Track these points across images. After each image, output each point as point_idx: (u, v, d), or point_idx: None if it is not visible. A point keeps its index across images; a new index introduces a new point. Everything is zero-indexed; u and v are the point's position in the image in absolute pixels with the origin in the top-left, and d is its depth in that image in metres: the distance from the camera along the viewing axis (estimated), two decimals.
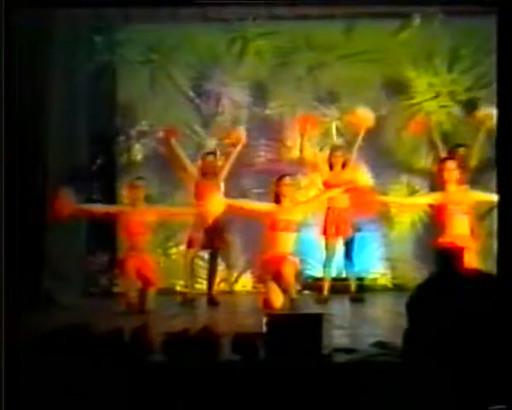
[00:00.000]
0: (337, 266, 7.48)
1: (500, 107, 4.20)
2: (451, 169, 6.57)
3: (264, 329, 3.88)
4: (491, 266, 6.41)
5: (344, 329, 5.83)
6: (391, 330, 5.33)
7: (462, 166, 6.93)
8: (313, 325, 3.93)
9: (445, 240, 6.45)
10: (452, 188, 6.57)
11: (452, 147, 7.17)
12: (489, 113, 7.04)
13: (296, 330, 3.88)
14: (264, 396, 3.60)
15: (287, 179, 6.80)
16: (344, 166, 7.29)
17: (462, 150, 7.06)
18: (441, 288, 1.47)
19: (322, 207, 7.19)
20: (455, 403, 1.39)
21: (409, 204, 7.44)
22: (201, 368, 3.41)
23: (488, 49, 8.09)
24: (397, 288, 7.86)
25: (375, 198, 6.73)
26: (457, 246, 6.21)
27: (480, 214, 7.12)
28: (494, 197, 6.71)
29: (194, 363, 3.42)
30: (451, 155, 6.97)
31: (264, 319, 3.88)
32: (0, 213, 4.78)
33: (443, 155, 7.19)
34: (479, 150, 7.11)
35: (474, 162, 7.11)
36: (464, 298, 1.42)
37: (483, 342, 1.38)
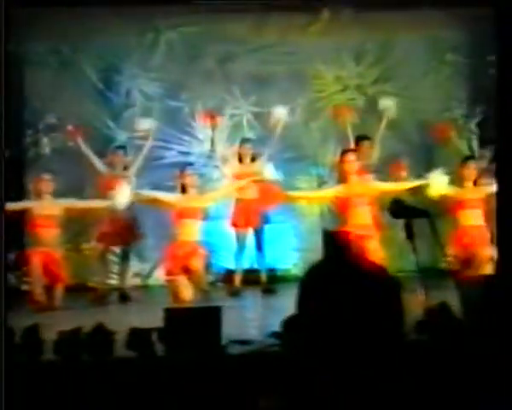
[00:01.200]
0: (248, 258, 7.55)
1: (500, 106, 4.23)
2: (352, 161, 6.72)
3: (163, 323, 3.89)
4: (393, 255, 6.66)
5: (253, 320, 5.91)
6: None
7: (365, 157, 7.11)
8: (211, 317, 3.97)
9: (345, 229, 6.60)
10: (354, 179, 6.73)
11: (356, 139, 7.34)
12: (389, 105, 7.24)
13: (193, 324, 3.91)
14: (161, 391, 3.62)
15: (190, 170, 6.83)
16: (253, 159, 7.35)
17: (365, 142, 7.23)
18: (324, 276, 1.45)
19: (230, 198, 7.24)
20: (335, 392, 1.37)
21: (315, 197, 7.58)
22: (95, 365, 3.40)
23: (393, 44, 8.36)
24: None
25: (281, 191, 6.82)
26: (354, 235, 6.37)
27: (384, 205, 7.31)
28: (398, 187, 6.96)
29: (86, 360, 3.40)
30: (355, 147, 7.12)
31: (162, 314, 3.89)
32: None
33: (351, 147, 7.35)
34: (381, 142, 7.30)
35: (376, 154, 7.30)
36: (346, 286, 1.39)
37: (365, 330, 1.36)
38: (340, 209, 6.86)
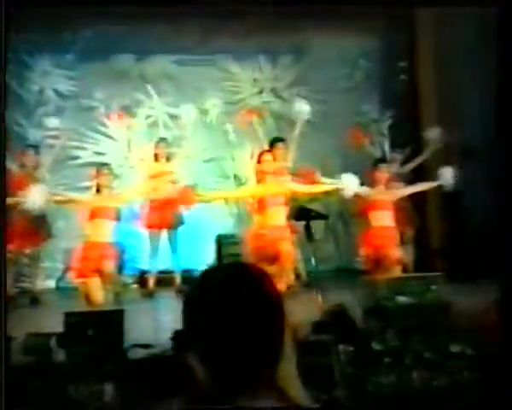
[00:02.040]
0: (163, 259, 7.49)
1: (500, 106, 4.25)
2: (268, 161, 6.76)
3: (63, 328, 3.82)
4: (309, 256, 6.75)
5: (167, 322, 5.86)
6: None
7: (281, 159, 7.17)
8: (114, 321, 3.93)
9: (260, 231, 6.65)
10: (270, 180, 6.78)
11: (271, 141, 7.40)
12: (304, 108, 7.33)
13: (95, 328, 3.85)
14: (61, 396, 3.55)
15: (105, 170, 6.72)
16: (169, 159, 7.31)
17: (280, 145, 7.29)
18: (209, 284, 1.44)
19: (144, 198, 7.18)
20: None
21: (231, 197, 7.60)
22: None
23: (307, 48, 8.49)
24: None
25: (196, 192, 6.78)
26: (268, 236, 6.43)
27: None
28: (312, 189, 7.05)
29: None
30: (270, 148, 7.17)
31: (63, 318, 3.82)
32: None
33: (265, 148, 7.39)
34: (295, 144, 7.38)
35: (292, 156, 7.37)
36: (227, 296, 1.40)
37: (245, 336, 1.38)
38: (256, 210, 6.90)
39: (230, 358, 1.39)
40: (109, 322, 3.93)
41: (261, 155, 6.87)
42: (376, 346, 3.70)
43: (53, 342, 3.64)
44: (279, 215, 6.66)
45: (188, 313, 1.45)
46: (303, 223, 4.09)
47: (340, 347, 3.12)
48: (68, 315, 3.87)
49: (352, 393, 3.44)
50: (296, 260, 6.48)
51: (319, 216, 3.02)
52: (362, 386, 3.61)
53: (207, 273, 1.52)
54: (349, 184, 6.73)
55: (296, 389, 1.47)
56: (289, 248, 6.52)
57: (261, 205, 6.71)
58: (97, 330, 3.85)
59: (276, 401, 1.42)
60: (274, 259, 6.56)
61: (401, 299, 4.11)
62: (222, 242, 7.40)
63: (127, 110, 7.69)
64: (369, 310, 3.93)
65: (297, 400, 1.47)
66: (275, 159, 6.94)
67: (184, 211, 7.11)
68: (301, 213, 3.20)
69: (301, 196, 7.10)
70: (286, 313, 1.47)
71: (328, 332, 3.08)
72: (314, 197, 7.90)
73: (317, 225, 4.48)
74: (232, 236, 7.49)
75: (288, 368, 1.47)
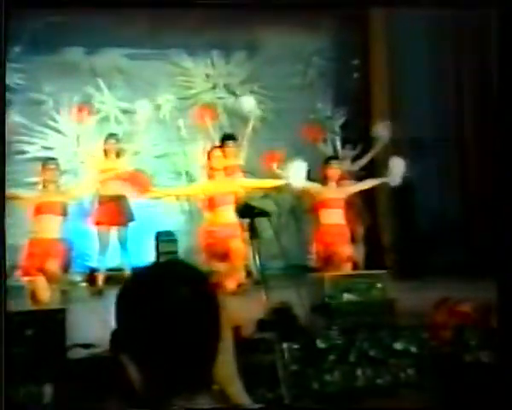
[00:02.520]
0: (112, 257, 7.37)
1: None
2: (218, 157, 6.71)
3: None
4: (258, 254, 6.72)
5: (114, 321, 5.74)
6: None
7: (232, 156, 7.13)
8: (55, 320, 3.84)
9: (211, 228, 6.60)
10: (221, 176, 6.73)
11: (222, 137, 7.35)
12: (251, 104, 7.31)
13: (37, 327, 3.76)
14: None
15: (51, 164, 6.56)
16: (119, 155, 7.20)
17: (230, 142, 7.24)
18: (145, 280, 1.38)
19: (92, 194, 7.06)
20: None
21: (181, 193, 7.52)
22: None
23: (260, 45, 8.46)
24: None
25: (148, 183, 6.65)
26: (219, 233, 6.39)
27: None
28: (262, 184, 7.03)
29: None
30: (221, 145, 7.12)
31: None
32: None
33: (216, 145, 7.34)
34: (248, 141, 7.35)
35: (244, 154, 7.33)
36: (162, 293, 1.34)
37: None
38: (206, 207, 6.84)
39: (163, 358, 1.34)
40: (51, 321, 3.84)
41: (211, 151, 6.82)
42: (321, 344, 3.69)
43: None
44: (229, 213, 6.62)
45: (121, 312, 1.40)
46: (247, 220, 4.05)
47: (285, 345, 3.09)
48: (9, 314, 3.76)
49: (297, 391, 3.42)
50: (247, 257, 6.45)
51: (262, 213, 2.99)
52: (306, 384, 3.60)
53: (140, 271, 1.48)
54: (296, 172, 6.67)
55: (235, 389, 1.45)
56: (239, 246, 6.48)
57: (211, 203, 6.65)
58: (38, 329, 3.75)
59: (215, 401, 1.39)
60: (224, 256, 6.51)
61: (347, 296, 4.11)
62: (160, 239, 7.32)
63: (81, 104, 7.47)
64: (315, 308, 3.92)
65: (236, 399, 1.45)
66: (225, 156, 6.89)
67: (136, 201, 6.99)
68: (245, 210, 3.17)
69: (253, 193, 7.08)
70: (221, 312, 1.44)
71: (272, 330, 3.05)
72: (266, 194, 7.91)
73: (264, 223, 4.44)
74: (170, 233, 7.41)
75: (227, 367, 1.45)
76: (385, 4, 8.39)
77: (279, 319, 3.07)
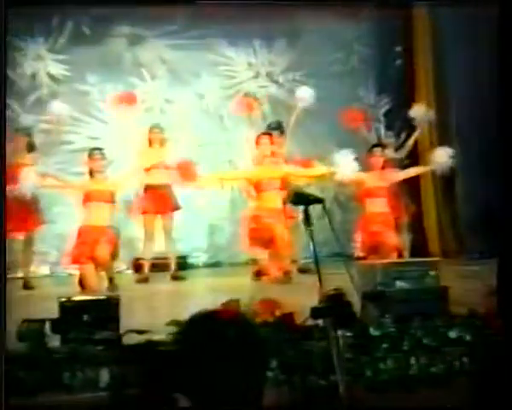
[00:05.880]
0: (158, 245, 7.43)
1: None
2: (266, 144, 6.73)
3: (58, 314, 3.78)
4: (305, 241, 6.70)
5: (161, 308, 5.81)
6: (204, 307, 5.38)
7: (278, 144, 7.11)
8: (109, 307, 3.89)
9: (256, 213, 6.63)
10: (267, 162, 6.74)
11: (269, 125, 7.35)
12: (306, 94, 7.28)
13: (90, 314, 3.82)
14: (54, 383, 3.52)
15: (98, 154, 6.64)
16: (162, 144, 7.24)
17: (276, 131, 7.22)
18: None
19: (138, 183, 7.12)
20: None
21: (227, 178, 7.53)
22: None
23: (302, 31, 8.42)
24: (216, 265, 8.04)
25: (195, 175, 6.68)
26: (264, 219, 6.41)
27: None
28: (308, 172, 7.00)
29: None
30: (267, 132, 7.11)
31: (56, 304, 3.78)
32: None
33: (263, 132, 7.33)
34: (291, 130, 7.32)
35: (289, 142, 7.32)
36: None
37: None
38: (253, 192, 6.86)
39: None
40: (106, 308, 3.90)
41: (259, 137, 6.83)
42: (374, 332, 3.68)
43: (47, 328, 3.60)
44: (275, 199, 6.64)
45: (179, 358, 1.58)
46: (301, 208, 4.01)
47: (339, 332, 3.09)
48: (64, 301, 3.83)
49: (350, 379, 3.41)
50: (292, 244, 6.45)
51: (316, 200, 2.99)
52: (359, 372, 3.59)
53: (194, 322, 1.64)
54: (345, 167, 6.67)
55: None
56: (284, 232, 6.50)
57: (258, 188, 6.69)
58: (92, 316, 3.81)
59: None
60: (269, 242, 6.53)
61: (399, 284, 4.08)
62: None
63: (129, 94, 7.47)
64: (368, 295, 3.90)
65: None
66: (272, 142, 6.90)
67: (182, 189, 7.03)
68: (299, 197, 3.17)
69: (297, 181, 7.06)
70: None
71: (326, 317, 3.05)
72: (309, 182, 7.88)
73: (313, 210, 4.41)
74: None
75: None
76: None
77: (333, 306, 3.06)
